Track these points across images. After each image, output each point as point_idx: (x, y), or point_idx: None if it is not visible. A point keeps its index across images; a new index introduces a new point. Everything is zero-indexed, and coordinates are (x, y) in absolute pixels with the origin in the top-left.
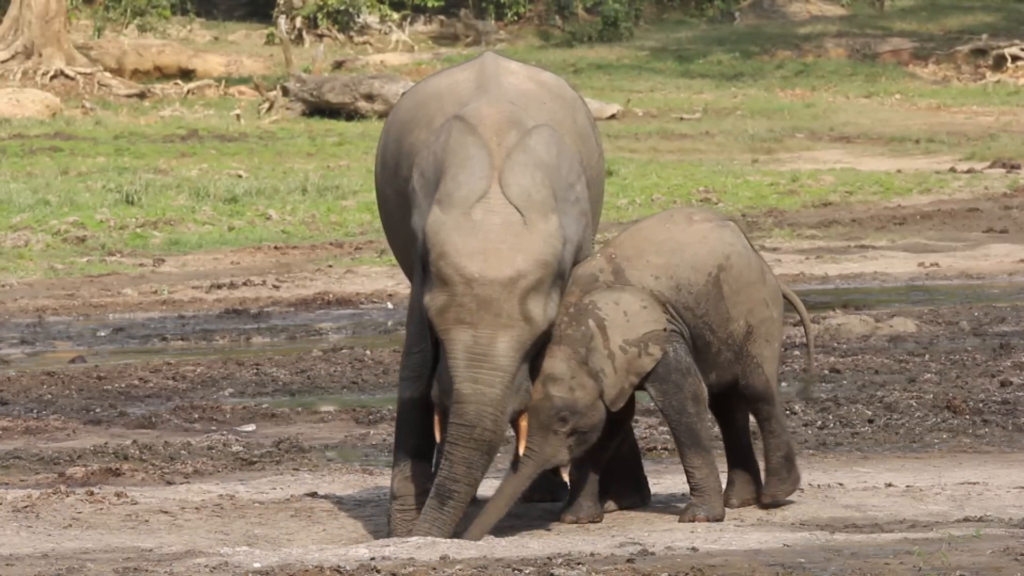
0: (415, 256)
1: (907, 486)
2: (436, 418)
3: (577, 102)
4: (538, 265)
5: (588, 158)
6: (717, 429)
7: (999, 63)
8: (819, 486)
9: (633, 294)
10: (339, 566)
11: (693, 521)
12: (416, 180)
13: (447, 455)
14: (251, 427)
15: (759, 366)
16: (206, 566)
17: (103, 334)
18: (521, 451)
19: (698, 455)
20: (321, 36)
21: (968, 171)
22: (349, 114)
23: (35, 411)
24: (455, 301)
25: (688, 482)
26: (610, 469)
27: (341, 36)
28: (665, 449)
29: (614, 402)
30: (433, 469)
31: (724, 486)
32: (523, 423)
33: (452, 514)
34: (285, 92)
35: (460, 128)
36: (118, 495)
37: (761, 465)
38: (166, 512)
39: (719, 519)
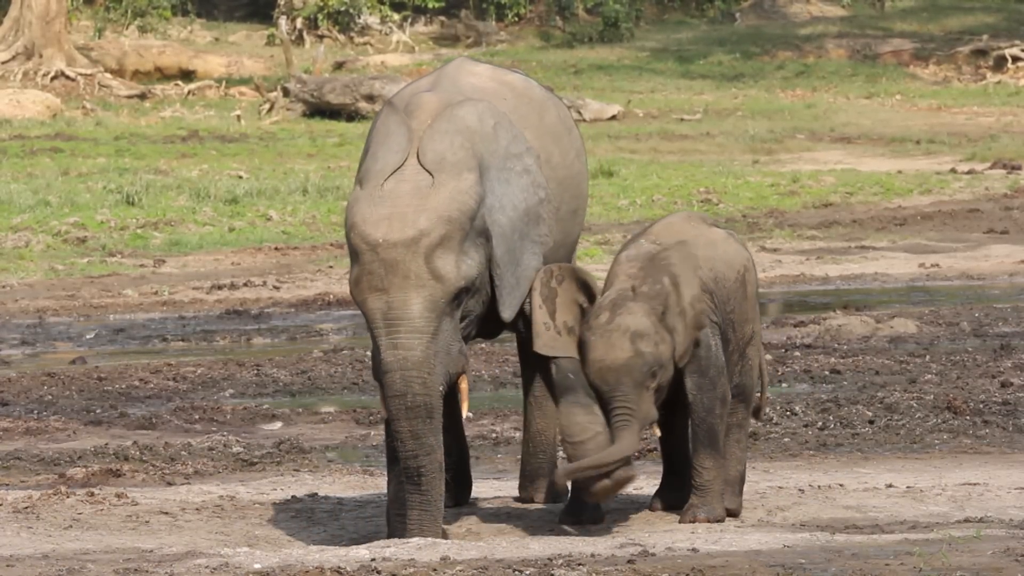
0: None
1: (908, 487)
2: (381, 395)
3: (546, 103)
4: (441, 221)
5: (561, 157)
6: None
7: (999, 64)
8: (820, 487)
9: (693, 254)
10: (339, 567)
11: (694, 521)
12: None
13: (396, 434)
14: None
15: (751, 369)
16: (207, 567)
17: (104, 335)
18: (465, 414)
19: (711, 457)
20: (321, 37)
21: (969, 172)
22: (350, 115)
23: (36, 412)
24: (365, 270)
25: (693, 480)
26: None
27: (342, 37)
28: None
29: (682, 358)
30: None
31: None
32: (464, 384)
33: (432, 489)
34: (286, 93)
35: (385, 111)
36: (119, 496)
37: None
38: (167, 513)
39: (719, 520)
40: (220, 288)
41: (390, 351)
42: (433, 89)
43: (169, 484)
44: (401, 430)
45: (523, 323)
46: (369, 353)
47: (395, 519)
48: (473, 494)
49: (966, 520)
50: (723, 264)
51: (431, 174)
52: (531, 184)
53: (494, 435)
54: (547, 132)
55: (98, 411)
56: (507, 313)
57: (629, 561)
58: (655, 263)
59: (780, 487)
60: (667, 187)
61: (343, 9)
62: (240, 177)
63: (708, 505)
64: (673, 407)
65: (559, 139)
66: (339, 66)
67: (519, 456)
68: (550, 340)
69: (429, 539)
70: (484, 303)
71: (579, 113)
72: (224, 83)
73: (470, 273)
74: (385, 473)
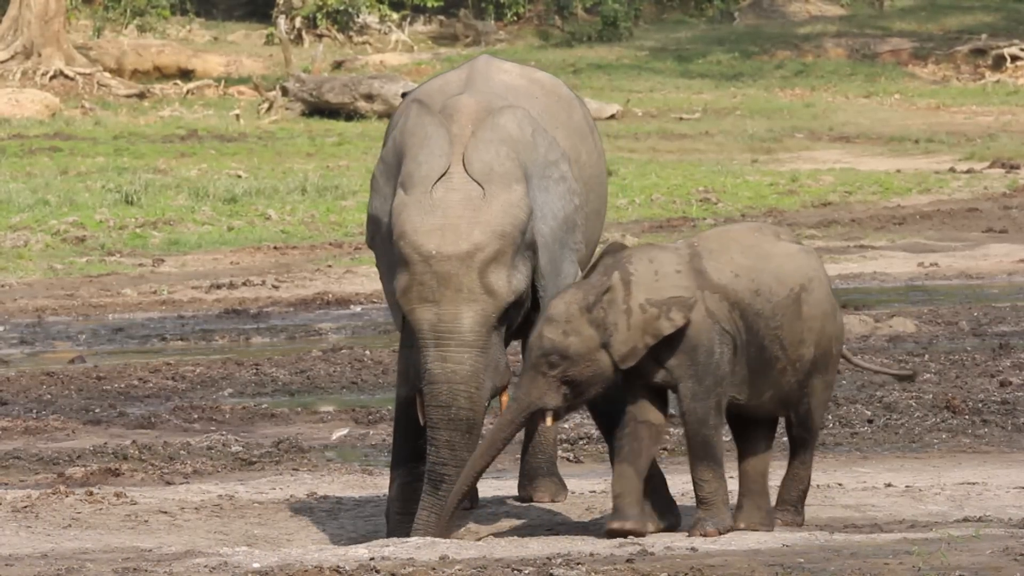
0: (376, 240)
1: (906, 486)
2: (418, 402)
3: (573, 101)
4: (496, 236)
5: (587, 156)
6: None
7: (998, 63)
8: (818, 486)
9: (670, 256)
10: (338, 566)
11: (704, 536)
12: (377, 166)
13: (431, 440)
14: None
15: (814, 396)
16: (205, 566)
17: (102, 334)
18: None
19: (710, 468)
20: (320, 36)
21: (967, 171)
22: (348, 114)
23: (35, 411)
24: (416, 280)
25: (696, 494)
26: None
27: (340, 36)
28: (664, 450)
29: (624, 359)
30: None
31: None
32: (505, 398)
33: (447, 497)
34: (284, 92)
35: (417, 110)
36: (117, 495)
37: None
38: (165, 512)
39: (728, 531)
40: (219, 287)
41: (438, 363)
42: (468, 90)
43: (168, 483)
44: (438, 439)
45: None
46: (368, 352)
47: (395, 517)
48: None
49: (965, 519)
50: (771, 277)
51: (480, 185)
52: (567, 191)
53: None
54: (575, 131)
55: (97, 410)
56: None
57: (628, 560)
58: (617, 260)
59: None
60: (666, 186)
61: (342, 8)
62: (239, 176)
63: (715, 517)
64: (747, 425)
65: (585, 138)
66: (338, 65)
67: (518, 455)
68: None
69: (428, 538)
70: (523, 314)
71: (581, 109)
72: (223, 82)
73: (520, 287)
74: (384, 471)
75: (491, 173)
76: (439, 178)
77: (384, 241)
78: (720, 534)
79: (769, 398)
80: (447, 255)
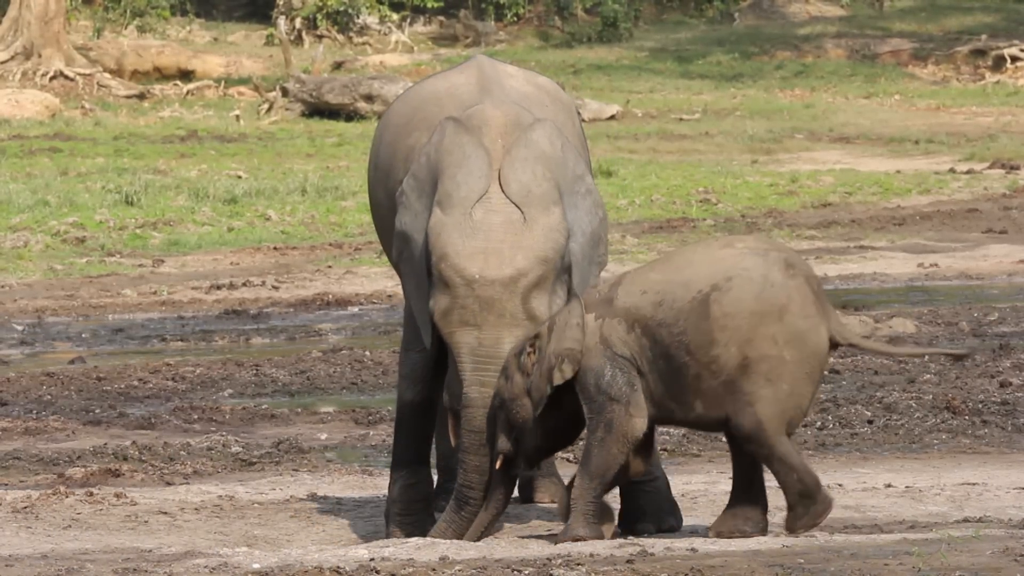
0: (404, 256)
1: (906, 487)
2: (451, 423)
3: (572, 106)
4: (539, 262)
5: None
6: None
7: (998, 64)
8: None
9: (576, 307)
10: (338, 567)
11: (557, 543)
12: (407, 182)
13: (461, 461)
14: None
15: (750, 405)
16: (205, 567)
17: (102, 334)
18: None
19: (583, 478)
20: (320, 37)
21: (967, 172)
22: (348, 115)
23: (35, 412)
24: (457, 303)
25: (571, 495)
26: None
27: (340, 37)
28: (664, 450)
29: (536, 404)
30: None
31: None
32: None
33: (469, 518)
34: (284, 93)
35: (454, 128)
36: (117, 496)
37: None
38: (165, 513)
39: (578, 540)
40: (219, 288)
41: (476, 387)
42: (487, 99)
43: (168, 484)
44: (469, 462)
45: None
46: (368, 353)
47: (395, 518)
48: None
49: (965, 520)
50: (678, 286)
51: (520, 208)
52: (593, 205)
53: None
54: (576, 137)
55: (97, 411)
56: None
57: (628, 561)
58: (562, 306)
59: (779, 487)
60: (666, 187)
61: (342, 9)
62: (239, 177)
63: (572, 526)
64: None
65: (583, 145)
66: (338, 66)
67: None
68: None
69: (428, 539)
70: None
71: (578, 113)
72: (223, 83)
73: None
74: (384, 471)
75: (529, 195)
76: (478, 199)
77: (413, 259)
78: (574, 540)
79: (704, 408)
80: (490, 279)
